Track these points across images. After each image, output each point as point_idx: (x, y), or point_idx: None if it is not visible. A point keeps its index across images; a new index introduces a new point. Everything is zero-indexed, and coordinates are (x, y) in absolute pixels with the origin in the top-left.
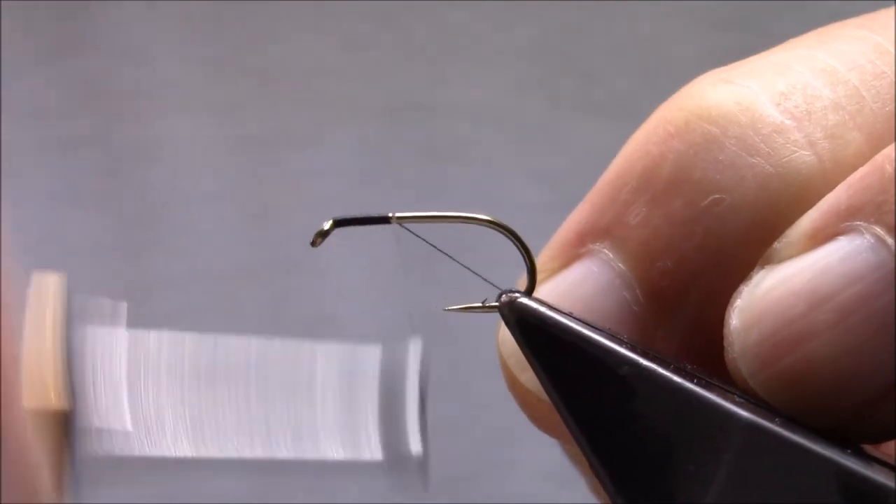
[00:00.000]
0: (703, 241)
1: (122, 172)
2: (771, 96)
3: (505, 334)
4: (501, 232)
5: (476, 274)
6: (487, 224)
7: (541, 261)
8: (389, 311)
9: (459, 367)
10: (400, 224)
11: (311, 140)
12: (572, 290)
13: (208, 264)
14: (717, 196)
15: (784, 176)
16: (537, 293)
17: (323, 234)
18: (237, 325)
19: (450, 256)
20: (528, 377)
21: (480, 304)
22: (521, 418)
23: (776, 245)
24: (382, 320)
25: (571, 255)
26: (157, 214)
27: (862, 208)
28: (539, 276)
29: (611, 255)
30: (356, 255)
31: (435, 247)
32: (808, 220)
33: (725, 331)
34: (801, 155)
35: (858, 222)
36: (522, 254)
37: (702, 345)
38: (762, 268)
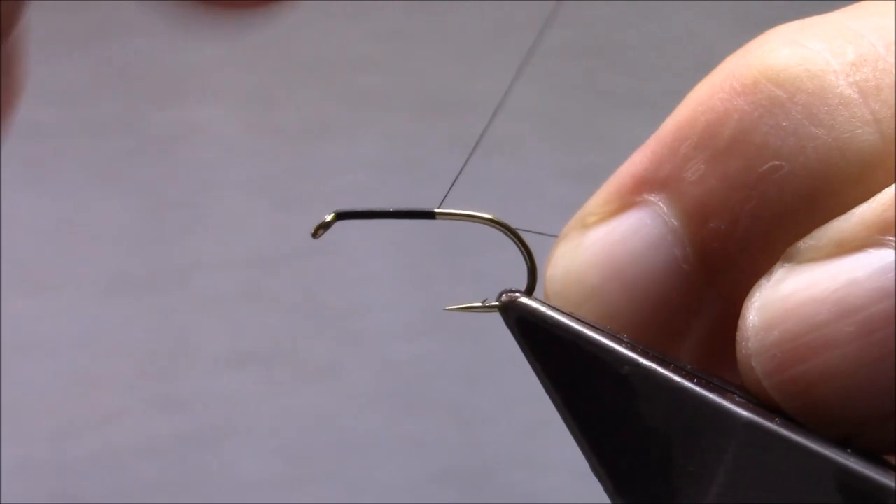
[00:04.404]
0: (758, 206)
1: (154, 157)
2: (841, 65)
3: (555, 271)
4: (502, 230)
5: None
6: (488, 222)
7: (594, 202)
8: (415, 299)
9: (492, 360)
10: (401, 219)
11: (342, 130)
12: (624, 239)
13: (239, 250)
14: (776, 163)
15: (845, 151)
16: (588, 235)
17: (324, 226)
18: (267, 311)
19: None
20: None
21: (480, 304)
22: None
23: (800, 244)
24: (409, 309)
25: (626, 201)
26: (188, 200)
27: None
28: (591, 219)
29: (665, 209)
30: (385, 245)
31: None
32: (837, 227)
33: (741, 324)
34: (865, 132)
35: (890, 237)
36: (523, 253)
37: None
38: (783, 265)
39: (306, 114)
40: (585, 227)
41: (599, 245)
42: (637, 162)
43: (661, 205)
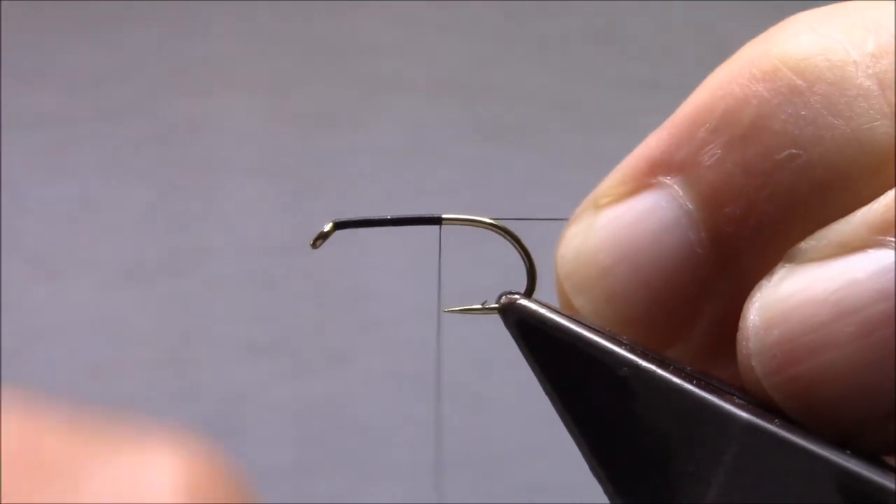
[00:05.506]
0: (774, 194)
1: (169, 145)
2: (861, 56)
3: (566, 252)
4: (501, 234)
5: None
6: (488, 226)
7: (608, 184)
8: (428, 285)
9: (507, 346)
10: (399, 226)
11: (357, 118)
12: (637, 221)
13: (253, 238)
14: (793, 151)
15: (862, 143)
16: (601, 216)
17: (323, 237)
18: (281, 298)
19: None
20: (583, 303)
21: (480, 306)
22: None
23: (802, 245)
24: (420, 296)
25: (641, 183)
26: (203, 188)
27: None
28: (604, 200)
29: (680, 193)
30: (397, 231)
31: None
32: (838, 228)
33: (741, 324)
34: (883, 124)
35: (891, 238)
36: (522, 256)
37: None
38: (784, 265)
39: (321, 101)
40: (598, 207)
41: (612, 226)
42: (652, 145)
43: (677, 188)
